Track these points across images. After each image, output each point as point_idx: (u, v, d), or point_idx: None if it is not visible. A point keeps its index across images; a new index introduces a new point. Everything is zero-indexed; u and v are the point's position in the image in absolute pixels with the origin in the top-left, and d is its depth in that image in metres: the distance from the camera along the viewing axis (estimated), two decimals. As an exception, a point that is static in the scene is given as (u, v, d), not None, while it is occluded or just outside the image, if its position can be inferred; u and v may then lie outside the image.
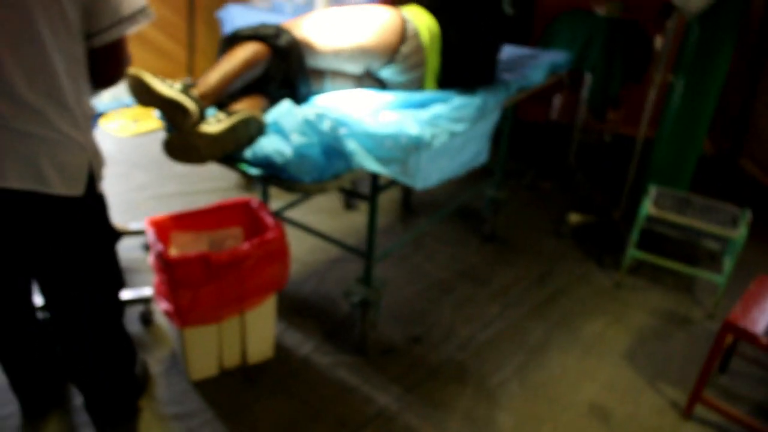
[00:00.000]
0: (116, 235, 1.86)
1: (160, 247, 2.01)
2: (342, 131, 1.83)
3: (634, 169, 3.28)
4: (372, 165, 1.90)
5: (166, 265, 1.96)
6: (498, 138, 3.11)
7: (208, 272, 1.97)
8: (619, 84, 3.58)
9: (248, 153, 1.86)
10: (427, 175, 2.25)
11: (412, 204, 3.69)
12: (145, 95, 1.77)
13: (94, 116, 1.64)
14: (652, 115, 3.23)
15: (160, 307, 2.11)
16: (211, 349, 2.20)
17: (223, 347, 2.23)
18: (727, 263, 2.83)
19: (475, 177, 3.63)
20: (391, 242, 3.16)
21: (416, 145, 2.04)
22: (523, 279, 3.02)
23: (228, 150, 1.86)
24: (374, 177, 2.20)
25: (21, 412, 2.02)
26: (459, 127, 2.27)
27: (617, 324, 2.75)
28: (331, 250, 3.11)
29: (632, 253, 2.95)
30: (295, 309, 2.68)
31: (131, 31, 1.56)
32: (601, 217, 3.51)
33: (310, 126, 1.80)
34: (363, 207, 3.57)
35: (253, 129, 1.89)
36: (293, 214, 3.23)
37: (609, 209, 3.56)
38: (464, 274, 3.02)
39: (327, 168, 1.83)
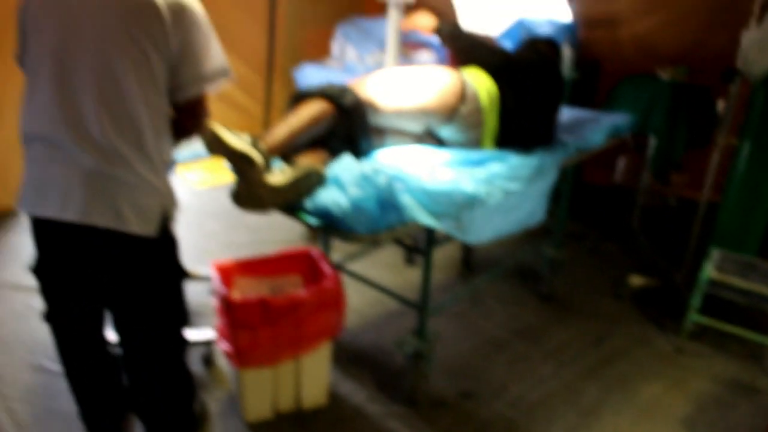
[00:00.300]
0: (184, 274, 1.99)
1: (223, 289, 2.13)
2: (397, 186, 1.93)
3: (697, 232, 3.23)
4: (425, 219, 1.98)
5: (227, 307, 2.07)
6: (558, 198, 3.15)
7: (266, 316, 2.07)
8: (683, 148, 3.56)
9: (308, 204, 1.98)
10: (481, 231, 2.30)
11: (472, 262, 3.73)
12: (216, 146, 1.92)
13: (172, 163, 1.78)
14: (716, 179, 3.20)
15: (221, 347, 2.22)
16: (266, 391, 2.28)
17: (279, 390, 2.31)
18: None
19: (534, 237, 3.67)
20: (449, 295, 3.20)
21: (470, 202, 2.11)
22: (579, 339, 2.99)
23: (290, 200, 1.98)
24: (430, 231, 2.27)
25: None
26: (514, 186, 2.33)
27: (676, 389, 2.67)
28: (389, 304, 3.17)
29: (693, 317, 2.88)
30: (351, 358, 2.74)
31: (212, 90, 1.71)
32: (662, 280, 3.44)
33: (366, 180, 1.91)
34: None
35: (313, 181, 2.00)
36: (355, 266, 3.32)
37: (671, 273, 3.49)
38: (519, 332, 3.02)
39: (381, 220, 1.92)
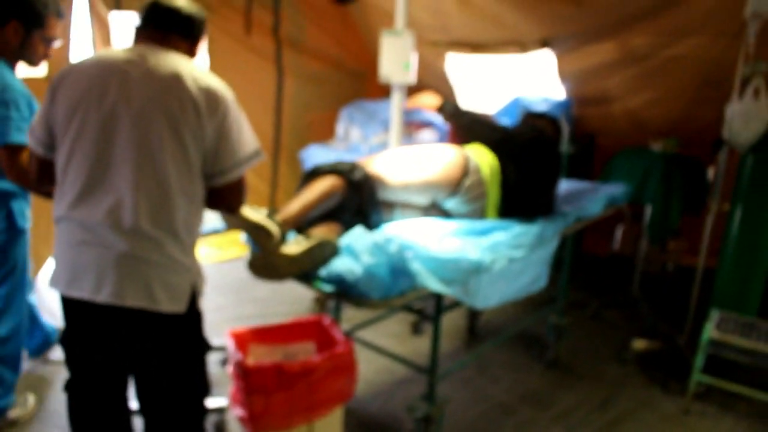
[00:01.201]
0: (208, 346, 2.05)
1: (238, 355, 2.21)
2: (408, 254, 2.05)
3: (696, 295, 3.32)
4: (434, 285, 2.09)
5: (242, 372, 2.15)
6: (560, 266, 3.26)
7: (280, 381, 2.14)
8: (678, 215, 3.70)
9: (323, 272, 2.09)
10: (488, 296, 2.40)
11: (477, 330, 3.80)
12: (235, 219, 2.05)
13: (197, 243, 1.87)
14: (713, 244, 3.31)
15: (235, 413, 2.28)
16: (280, 457, 2.32)
17: (292, 457, 2.35)
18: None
19: (538, 304, 3.75)
20: (456, 363, 3.25)
21: (477, 269, 2.23)
22: (585, 403, 3.02)
23: (305, 269, 2.09)
24: (438, 297, 2.37)
25: None
26: (518, 253, 2.45)
27: (684, 453, 2.70)
28: (397, 372, 3.23)
29: (697, 377, 2.94)
30: (361, 426, 2.78)
31: (247, 169, 1.83)
32: (665, 344, 3.51)
33: (378, 248, 2.03)
34: (430, 332, 3.70)
35: (327, 252, 2.12)
36: (363, 336, 3.39)
37: (673, 336, 3.56)
38: (526, 397, 3.06)
39: (393, 286, 2.02)
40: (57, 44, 2.50)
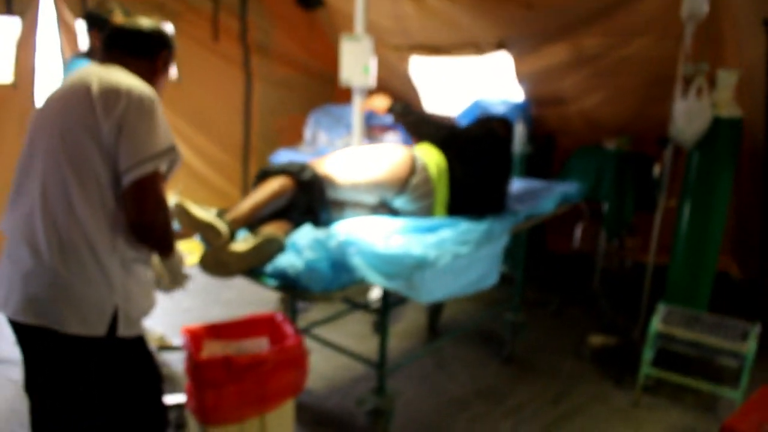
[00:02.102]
0: (153, 378, 1.95)
1: (190, 349, 2.28)
2: (349, 249, 2.12)
3: (647, 290, 3.42)
4: (376, 279, 2.16)
5: (194, 367, 2.21)
6: (516, 264, 3.34)
7: (229, 374, 2.20)
8: (632, 211, 3.81)
9: (269, 267, 2.17)
10: (431, 291, 2.44)
11: (438, 328, 3.87)
12: (185, 218, 2.12)
13: (139, 260, 1.77)
14: (664, 240, 3.41)
15: (188, 406, 2.34)
16: (233, 450, 2.38)
17: (245, 450, 2.41)
18: (743, 379, 2.87)
19: (498, 302, 3.84)
20: (414, 363, 3.34)
21: (420, 264, 2.30)
22: (538, 398, 3.11)
23: (253, 265, 2.17)
24: (385, 293, 2.45)
25: None
26: (463, 250, 2.52)
27: (630, 441, 2.79)
28: (355, 369, 3.30)
29: (646, 370, 3.03)
30: (317, 420, 2.86)
31: (152, 169, 1.65)
32: (622, 339, 3.60)
33: (319, 244, 2.11)
34: (394, 331, 3.78)
35: (274, 248, 2.20)
36: (324, 335, 3.45)
37: (629, 331, 3.66)
38: (480, 392, 3.14)
39: (334, 280, 2.10)
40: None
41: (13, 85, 3.81)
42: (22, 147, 1.76)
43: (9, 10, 3.72)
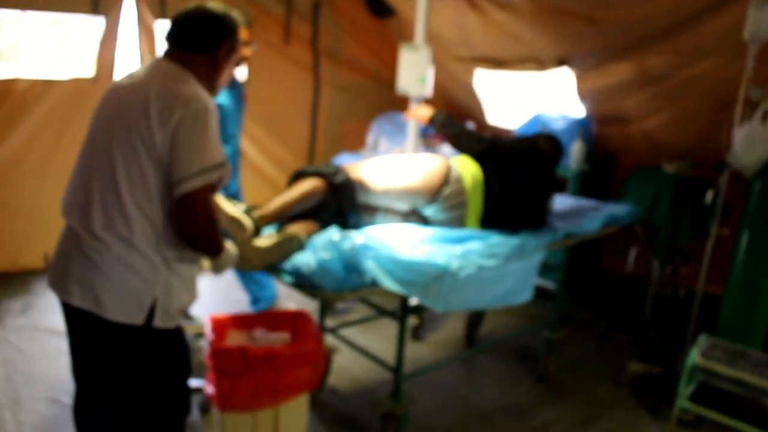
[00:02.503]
0: (183, 368, 2.06)
1: (211, 337, 2.39)
2: (364, 252, 2.18)
3: (694, 320, 3.27)
4: (389, 283, 2.21)
5: (212, 353, 2.32)
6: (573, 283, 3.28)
7: (245, 363, 2.30)
8: (686, 238, 3.66)
9: (287, 264, 2.25)
10: (450, 301, 2.44)
11: (477, 340, 3.85)
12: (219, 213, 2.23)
13: (183, 259, 1.84)
14: (723, 269, 3.25)
15: (207, 391, 2.45)
16: (247, 436, 2.48)
17: (258, 437, 2.50)
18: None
19: (540, 318, 3.77)
20: (443, 374, 3.34)
21: (441, 274, 2.32)
22: (565, 420, 3.05)
23: (274, 260, 2.26)
24: (403, 299, 2.48)
25: None
26: (489, 263, 2.51)
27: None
28: (384, 374, 3.32)
29: (681, 403, 2.90)
30: (334, 419, 2.92)
31: (202, 184, 1.69)
32: (665, 368, 3.46)
33: (333, 245, 2.17)
34: (431, 339, 3.80)
35: (294, 246, 2.28)
36: (361, 339, 3.51)
37: (674, 362, 3.51)
38: (507, 409, 3.11)
39: (346, 281, 2.16)
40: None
41: (94, 79, 4.10)
42: (87, 135, 1.83)
43: (96, 10, 4.02)
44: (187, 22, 1.84)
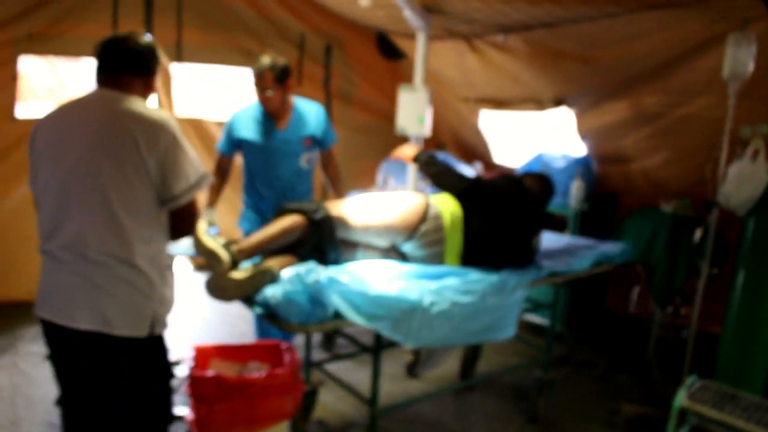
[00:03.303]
0: (170, 373, 2.23)
1: (192, 365, 2.49)
2: (329, 286, 2.25)
3: (688, 363, 3.23)
4: (354, 317, 2.27)
5: (190, 381, 2.42)
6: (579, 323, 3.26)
7: (219, 391, 2.38)
8: (683, 279, 3.62)
9: (259, 296, 2.34)
10: (420, 337, 2.45)
11: (471, 377, 3.83)
12: (196, 243, 2.35)
13: (169, 266, 2.06)
14: (721, 308, 3.21)
15: (187, 419, 2.54)
16: (224, 464, 2.54)
17: (236, 466, 2.56)
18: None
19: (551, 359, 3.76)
20: (433, 409, 3.35)
21: (412, 309, 2.37)
22: (552, 460, 3.02)
23: (248, 293, 2.35)
24: (378, 334, 2.53)
25: None
26: (464, 299, 2.54)
27: None
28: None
29: (667, 447, 2.86)
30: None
31: (195, 194, 2.01)
32: (659, 410, 3.40)
33: (298, 278, 2.25)
34: (427, 377, 3.82)
35: (267, 279, 2.36)
36: (354, 375, 3.56)
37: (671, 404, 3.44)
38: (492, 446, 3.10)
39: (311, 314, 2.23)
40: None
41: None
42: (43, 168, 1.93)
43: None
44: (123, 47, 1.98)
